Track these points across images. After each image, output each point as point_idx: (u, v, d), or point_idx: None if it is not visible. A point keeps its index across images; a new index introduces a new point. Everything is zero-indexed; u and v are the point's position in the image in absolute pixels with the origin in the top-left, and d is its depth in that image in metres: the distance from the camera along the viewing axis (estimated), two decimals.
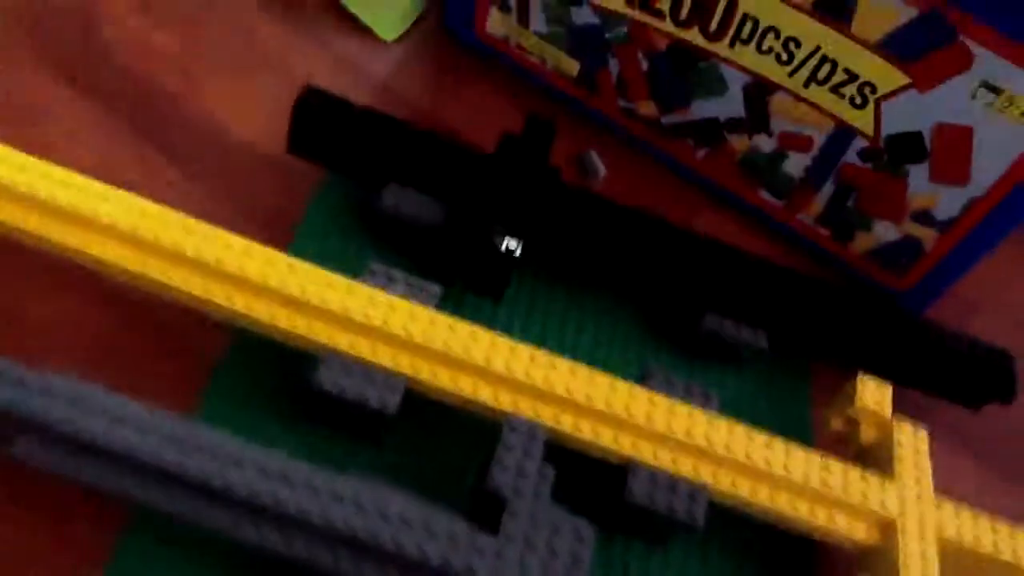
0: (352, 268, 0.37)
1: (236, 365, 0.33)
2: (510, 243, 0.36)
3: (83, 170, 0.36)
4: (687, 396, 0.34)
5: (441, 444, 0.34)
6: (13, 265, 0.34)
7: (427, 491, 0.30)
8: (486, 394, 0.32)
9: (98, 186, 0.32)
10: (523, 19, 0.45)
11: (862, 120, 0.39)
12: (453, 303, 0.37)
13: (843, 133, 0.40)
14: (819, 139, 0.41)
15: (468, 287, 0.36)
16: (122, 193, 0.32)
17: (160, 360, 0.33)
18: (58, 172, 0.32)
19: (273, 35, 0.45)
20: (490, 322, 0.37)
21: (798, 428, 0.38)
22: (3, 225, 0.31)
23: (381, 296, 0.32)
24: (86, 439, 0.27)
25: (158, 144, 0.39)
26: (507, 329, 0.37)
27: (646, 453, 0.32)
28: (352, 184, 0.39)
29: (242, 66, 0.43)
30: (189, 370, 0.33)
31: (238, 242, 0.32)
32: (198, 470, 0.27)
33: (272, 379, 0.33)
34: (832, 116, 0.40)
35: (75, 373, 0.31)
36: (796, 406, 0.39)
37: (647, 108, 0.45)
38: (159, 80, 0.41)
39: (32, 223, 0.31)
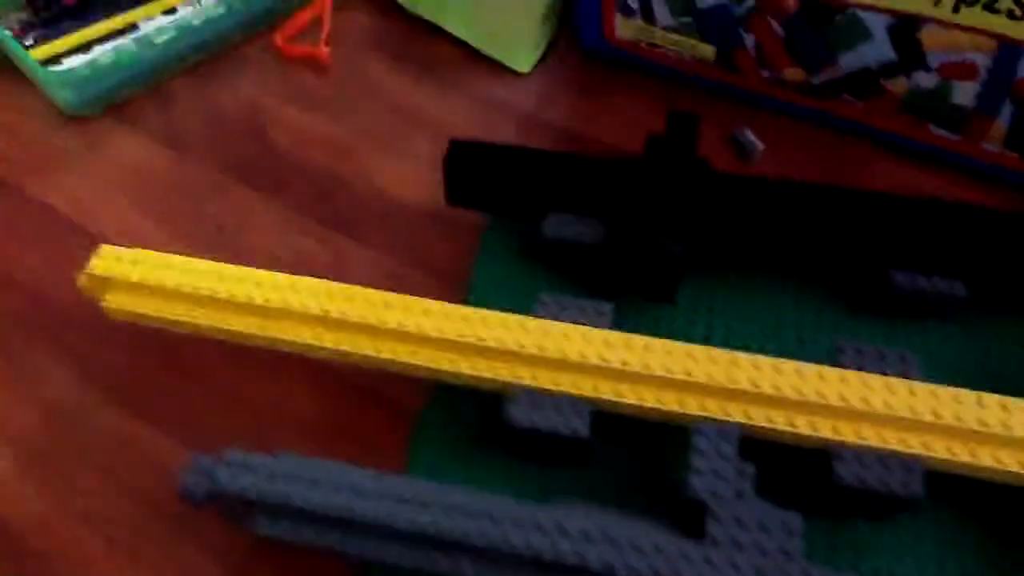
0: (529, 302, 0.38)
1: (437, 415, 0.36)
2: (674, 243, 0.36)
3: (280, 265, 0.40)
4: (881, 364, 0.33)
5: (642, 460, 0.34)
6: (238, 360, 0.38)
7: (636, 506, 0.31)
8: (672, 402, 0.32)
9: (289, 279, 0.35)
10: (648, 17, 0.45)
11: None
12: (629, 319, 0.38)
13: (1009, 49, 0.37)
14: (984, 62, 0.38)
15: (642, 296, 0.37)
16: (311, 281, 0.35)
17: (369, 421, 0.36)
18: (259, 275, 0.36)
19: (417, 99, 0.47)
20: (669, 332, 0.37)
21: (1015, 376, 0.36)
22: (225, 331, 0.35)
23: (553, 326, 0.33)
24: (315, 509, 0.29)
25: (340, 227, 0.42)
26: (687, 335, 0.37)
27: (848, 433, 0.31)
28: (514, 223, 0.41)
29: (396, 135, 0.46)
30: (396, 427, 0.36)
31: (414, 303, 0.34)
32: (418, 522, 0.29)
33: (473, 422, 0.35)
34: (992, 35, 0.37)
35: (297, 446, 0.35)
36: (1009, 354, 0.36)
37: (793, 73, 0.43)
38: (327, 167, 0.45)
39: (245, 324, 0.35)
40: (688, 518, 0.30)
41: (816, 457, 0.32)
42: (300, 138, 0.46)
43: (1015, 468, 0.30)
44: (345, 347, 0.34)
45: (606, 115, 0.46)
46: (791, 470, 0.33)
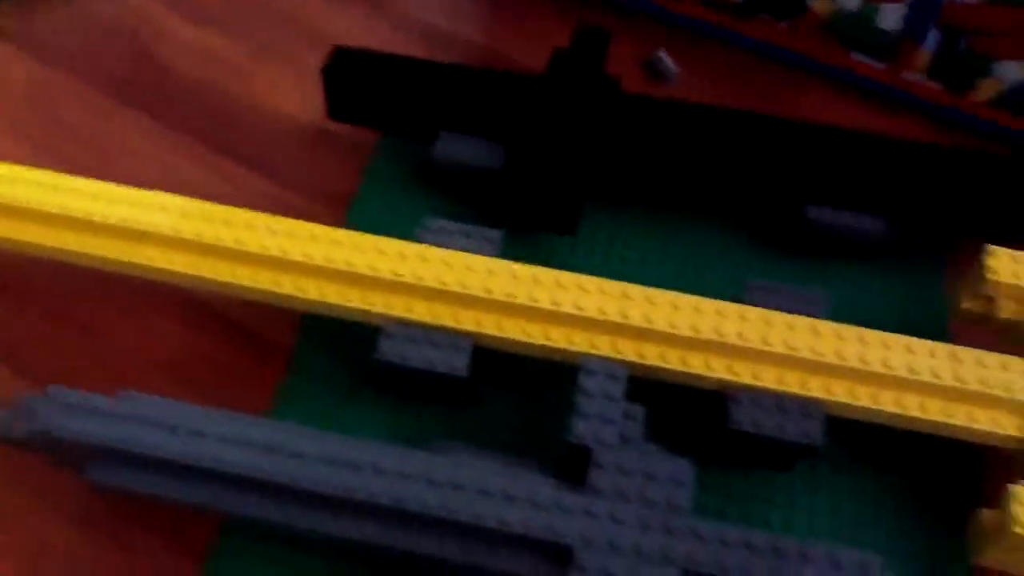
0: (413, 230, 0.35)
1: (308, 351, 0.32)
2: (573, 168, 0.33)
3: (149, 182, 0.37)
4: (790, 303, 0.30)
5: (531, 402, 0.32)
6: (91, 288, 0.34)
7: (515, 451, 0.29)
8: (559, 338, 0.29)
9: (153, 196, 0.32)
10: None
11: None
12: (522, 246, 0.35)
13: None
14: None
15: (539, 227, 0.34)
16: (176, 199, 0.32)
17: (237, 358, 0.33)
18: (115, 191, 0.32)
19: (313, 8, 0.43)
20: (566, 265, 0.34)
21: (932, 318, 0.34)
22: (79, 255, 0.31)
23: (434, 253, 0.30)
24: (161, 457, 0.26)
25: (216, 143, 0.38)
26: (584, 268, 0.34)
27: (745, 374, 0.29)
28: (405, 143, 0.37)
29: (290, 49, 0.42)
30: (267, 364, 0.32)
31: (280, 224, 0.31)
32: (276, 473, 0.26)
33: (347, 358, 0.32)
34: None
35: (158, 384, 0.32)
36: (927, 294, 0.34)
37: None
38: (211, 82, 0.40)
39: (94, 245, 0.31)
40: (572, 465, 0.27)
41: (712, 401, 0.29)
42: (184, 51, 0.42)
43: (915, 412, 0.28)
44: (203, 272, 0.31)
45: (516, 31, 0.43)
46: (685, 414, 0.31)
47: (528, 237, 0.35)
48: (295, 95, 0.40)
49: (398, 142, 0.37)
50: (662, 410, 0.31)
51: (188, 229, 0.31)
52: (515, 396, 0.32)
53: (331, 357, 0.32)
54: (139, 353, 0.32)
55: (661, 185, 0.35)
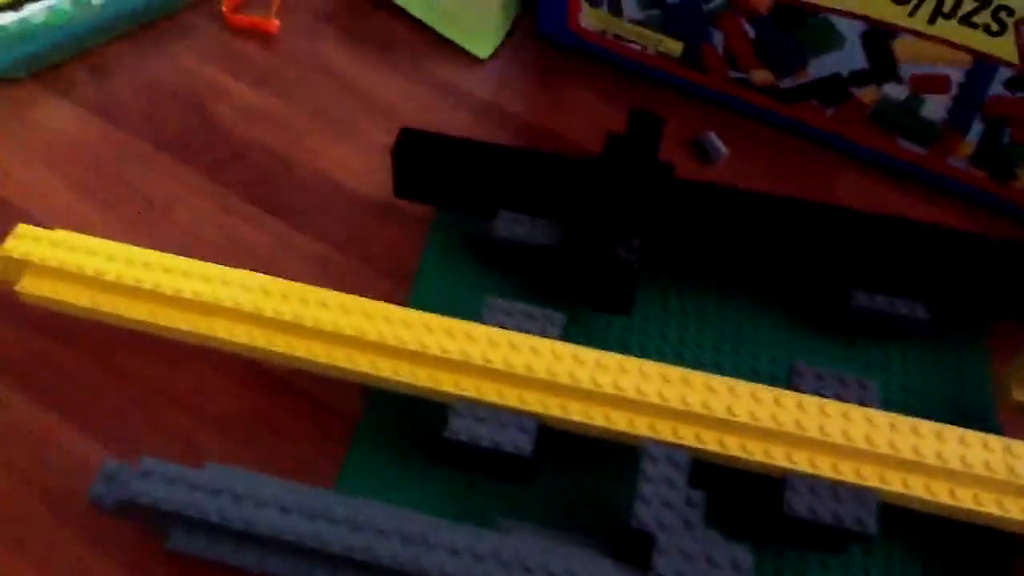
0: (475, 305, 0.36)
1: (374, 424, 0.34)
2: (629, 251, 0.34)
3: (212, 248, 0.38)
4: (841, 390, 0.31)
5: (588, 478, 0.33)
6: (161, 353, 0.35)
7: (578, 530, 0.30)
8: (621, 422, 0.30)
9: (220, 271, 0.33)
10: (615, 8, 0.43)
11: (1002, 48, 0.35)
12: (581, 328, 0.36)
13: (983, 66, 0.36)
14: (957, 76, 0.37)
15: (594, 307, 0.35)
16: (244, 273, 0.33)
17: (302, 425, 0.34)
18: (188, 264, 0.33)
19: (370, 79, 0.45)
20: (622, 343, 0.36)
21: (977, 403, 0.35)
22: (149, 324, 0.33)
23: (500, 336, 0.32)
24: (234, 525, 0.27)
25: (279, 211, 0.40)
26: (642, 347, 0.35)
27: (802, 462, 0.30)
28: (464, 219, 0.39)
29: (347, 118, 0.43)
30: (331, 433, 0.34)
31: (352, 303, 0.32)
32: (340, 544, 0.27)
33: (412, 433, 0.33)
34: (967, 49, 0.36)
35: (227, 450, 0.33)
36: (972, 379, 0.35)
37: (762, 76, 0.42)
38: (269, 146, 0.42)
39: (171, 319, 0.33)
40: (633, 549, 0.28)
41: (768, 486, 0.30)
42: (242, 114, 0.43)
43: (970, 505, 0.29)
44: (278, 348, 0.32)
45: (565, 108, 0.44)
46: (741, 498, 0.32)
47: (586, 315, 0.36)
48: (356, 167, 0.41)
49: (458, 218, 0.39)
50: (719, 494, 0.32)
51: (267, 306, 0.32)
52: (572, 473, 0.33)
53: (396, 430, 0.33)
54: (210, 422, 0.34)
55: (711, 267, 0.37)
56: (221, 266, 0.33)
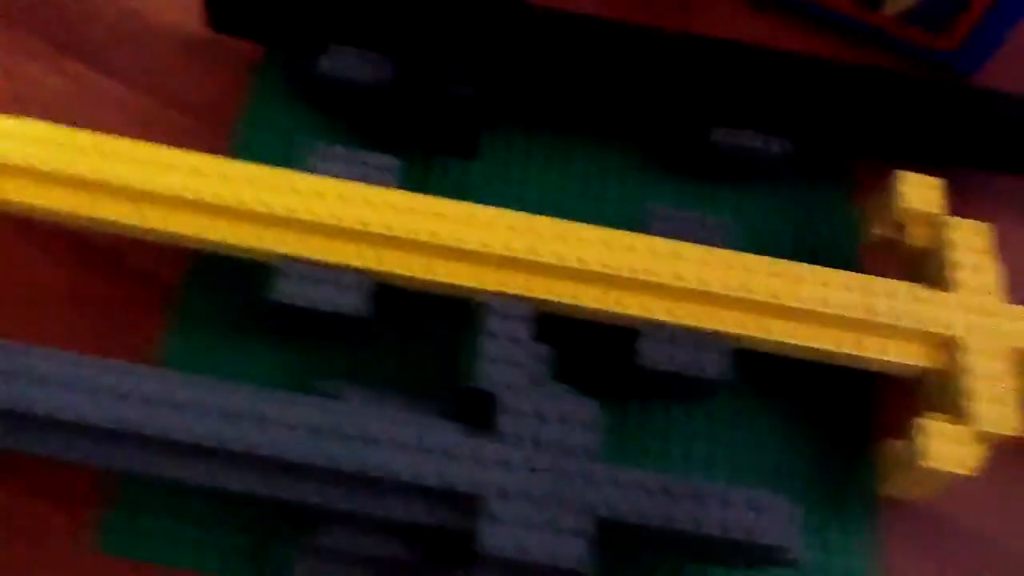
0: (304, 153, 0.32)
1: (197, 293, 0.30)
2: (464, 86, 0.31)
3: (7, 96, 0.33)
4: (700, 231, 0.29)
5: (432, 340, 0.30)
6: None
7: (421, 395, 0.28)
8: (465, 276, 0.28)
9: (13, 123, 0.28)
10: None
11: None
12: (418, 175, 0.33)
13: None
14: None
15: (433, 150, 0.32)
16: (34, 124, 0.29)
17: (119, 298, 0.30)
18: None
19: None
20: (461, 191, 0.33)
21: (838, 242, 0.33)
22: None
23: (329, 185, 0.28)
24: (38, 413, 0.24)
25: (82, 54, 0.35)
26: (482, 196, 0.33)
27: (657, 310, 0.28)
28: (292, 58, 0.34)
29: None
30: (150, 301, 0.30)
31: (160, 154, 0.28)
32: (151, 425, 0.24)
33: (238, 297, 0.30)
34: None
35: (28, 327, 0.29)
36: (834, 218, 0.34)
37: None
38: None
39: None
40: (475, 410, 0.26)
41: (622, 337, 0.29)
42: None
43: (829, 346, 0.28)
44: (80, 210, 0.28)
45: None
46: (594, 353, 0.30)
47: (425, 161, 0.33)
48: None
49: (286, 57, 0.35)
50: (570, 350, 0.30)
51: (63, 162, 0.28)
52: (414, 334, 0.30)
53: (220, 297, 0.30)
54: (4, 291, 0.30)
55: (562, 105, 0.33)
56: (6, 116, 0.29)
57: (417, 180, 0.33)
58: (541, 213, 0.32)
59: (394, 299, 0.30)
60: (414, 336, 0.30)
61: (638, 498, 0.25)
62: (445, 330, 0.30)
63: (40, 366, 0.25)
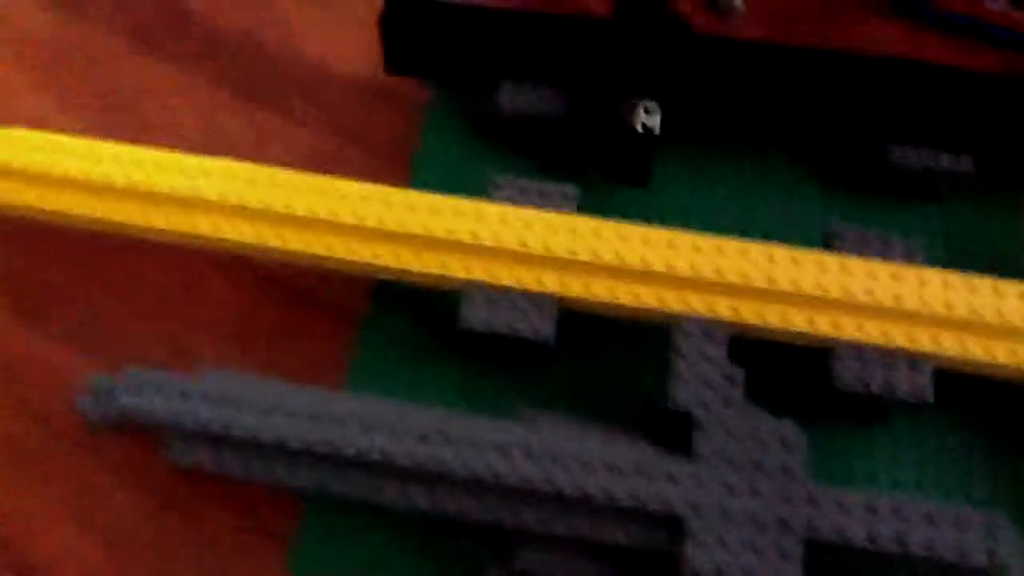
0: (481, 185, 0.33)
1: (382, 320, 0.31)
2: (647, 117, 0.31)
3: (189, 145, 0.35)
4: (886, 251, 0.29)
5: (614, 362, 0.30)
6: (143, 256, 0.33)
7: (606, 418, 0.28)
8: (650, 298, 0.28)
9: (196, 162, 0.30)
10: None
11: None
12: (598, 200, 0.33)
13: None
14: None
15: (609, 178, 0.32)
16: (226, 163, 0.30)
17: (302, 325, 0.31)
18: (163, 158, 0.30)
19: None
20: (642, 216, 0.33)
21: (1019, 258, 0.32)
22: (125, 225, 0.30)
23: (511, 213, 0.29)
24: (237, 434, 0.25)
25: (262, 100, 0.36)
26: (664, 219, 0.33)
27: (849, 329, 0.27)
28: (464, 94, 0.36)
29: None
30: (335, 332, 0.31)
31: (348, 187, 0.29)
32: (352, 447, 0.25)
33: (423, 327, 0.31)
34: None
35: (225, 356, 0.30)
36: (1012, 233, 0.32)
37: None
38: (245, 31, 0.39)
39: (148, 217, 0.30)
40: (670, 432, 0.26)
41: (813, 357, 0.28)
42: (217, 3, 0.40)
43: None
44: (271, 242, 0.29)
45: None
46: (784, 374, 0.29)
47: (603, 188, 0.33)
48: (339, 43, 0.38)
49: (458, 94, 0.36)
50: (759, 371, 0.29)
51: (254, 197, 0.29)
52: (597, 357, 0.30)
53: (406, 325, 0.31)
54: (203, 324, 0.31)
55: (736, 128, 0.33)
56: (200, 156, 0.30)
57: (595, 209, 0.33)
58: (717, 233, 0.32)
59: (572, 323, 0.30)
60: (593, 359, 0.30)
61: (840, 517, 0.24)
62: (623, 353, 0.30)
63: (250, 393, 0.26)
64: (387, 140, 0.35)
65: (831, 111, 0.32)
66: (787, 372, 0.29)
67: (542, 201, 0.30)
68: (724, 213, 0.33)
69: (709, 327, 0.27)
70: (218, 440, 0.26)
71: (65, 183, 0.30)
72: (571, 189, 0.30)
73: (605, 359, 0.30)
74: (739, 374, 0.26)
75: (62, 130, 0.35)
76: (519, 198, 0.30)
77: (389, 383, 0.30)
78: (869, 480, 0.28)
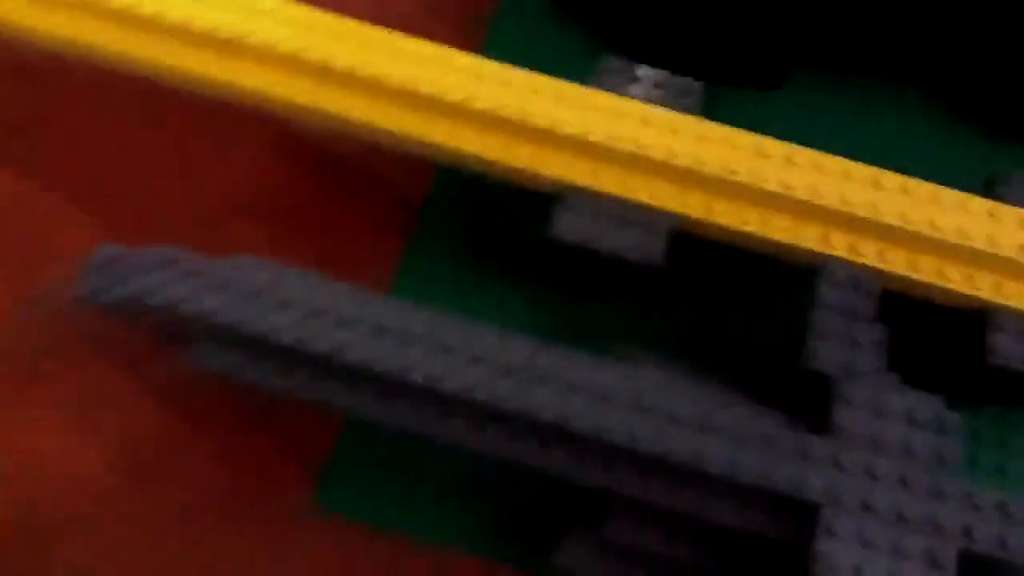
0: (573, 67, 0.28)
1: (444, 211, 0.26)
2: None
3: None
4: None
5: (737, 303, 0.25)
6: (171, 109, 0.27)
7: (718, 368, 0.23)
8: (784, 229, 0.23)
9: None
10: None
11: None
12: (726, 105, 0.28)
13: None
14: None
15: (736, 79, 0.27)
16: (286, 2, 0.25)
17: (350, 211, 0.26)
18: None
19: None
20: (762, 126, 0.27)
21: None
22: (151, 66, 0.24)
23: (628, 106, 0.24)
24: (275, 339, 0.20)
25: None
26: (804, 139, 0.27)
27: (1012, 295, 0.23)
28: None
29: None
30: (388, 222, 0.26)
31: (431, 50, 0.24)
32: (417, 370, 0.20)
33: (492, 226, 0.26)
34: None
35: (257, 240, 0.25)
36: None
37: None
38: None
39: (180, 58, 0.24)
40: (799, 397, 0.21)
41: (966, 325, 0.23)
42: None
43: None
44: (324, 105, 0.24)
45: None
46: (928, 341, 0.25)
47: (733, 93, 0.28)
48: None
49: None
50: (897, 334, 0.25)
51: (311, 46, 0.24)
52: (710, 294, 0.25)
53: (470, 224, 0.26)
54: (232, 198, 0.26)
55: (892, 49, 0.28)
56: None
57: (722, 116, 0.27)
58: None
59: (687, 250, 0.25)
60: (708, 298, 0.25)
61: (1002, 526, 0.20)
62: (747, 293, 0.25)
63: (288, 289, 0.21)
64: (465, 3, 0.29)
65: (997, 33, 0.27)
66: (930, 339, 0.25)
67: (660, 95, 0.25)
68: (874, 145, 0.27)
69: (861, 276, 0.22)
70: (248, 343, 0.21)
71: (79, 4, 0.25)
72: (695, 84, 0.25)
73: (723, 299, 0.25)
74: (883, 335, 0.22)
75: None
76: (631, 88, 0.25)
77: (442, 295, 0.25)
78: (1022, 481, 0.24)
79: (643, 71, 0.25)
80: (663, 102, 0.24)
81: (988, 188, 0.25)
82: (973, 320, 0.23)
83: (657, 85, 0.25)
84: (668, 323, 0.25)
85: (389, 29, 0.25)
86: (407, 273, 0.26)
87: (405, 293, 0.25)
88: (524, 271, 0.25)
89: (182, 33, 0.24)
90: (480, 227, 0.26)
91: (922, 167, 0.27)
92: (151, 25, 0.24)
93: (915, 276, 0.23)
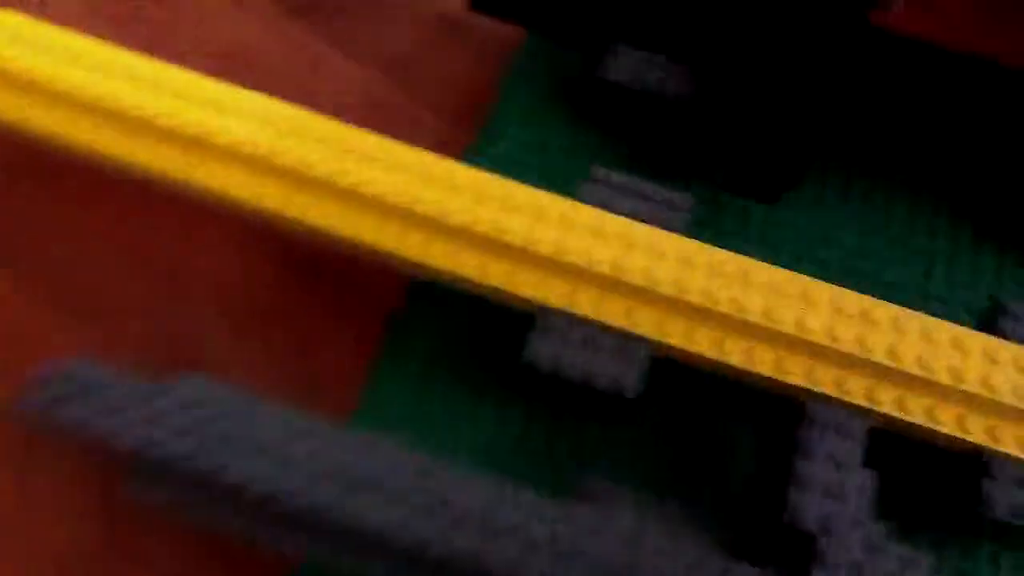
0: (564, 172, 0.27)
1: (417, 321, 0.25)
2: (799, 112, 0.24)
3: (231, 66, 0.29)
4: None
5: (709, 431, 0.24)
6: (148, 200, 0.26)
7: (691, 505, 0.22)
8: (768, 362, 0.22)
9: (220, 90, 0.24)
10: None
11: None
12: (715, 216, 0.26)
13: None
14: None
15: (737, 190, 0.26)
16: (252, 96, 0.24)
17: (323, 317, 0.25)
18: (178, 76, 0.24)
19: None
20: (768, 244, 0.26)
21: None
22: (125, 162, 0.24)
23: (612, 224, 0.23)
24: (217, 478, 0.19)
25: (317, 24, 0.30)
26: (795, 253, 0.26)
27: (1007, 440, 0.22)
28: (561, 50, 0.29)
29: None
30: (362, 333, 0.25)
31: (405, 154, 0.23)
32: (352, 517, 0.19)
33: (465, 339, 0.25)
34: None
35: (220, 339, 0.25)
36: None
37: None
38: None
39: (156, 157, 0.24)
40: (778, 549, 0.20)
41: (959, 470, 0.22)
42: None
43: None
44: (291, 211, 0.23)
45: None
46: (918, 485, 0.23)
47: (722, 201, 0.27)
48: None
49: (549, 47, 0.29)
50: (885, 475, 0.23)
51: (282, 147, 0.23)
52: (688, 423, 0.24)
53: (444, 340, 0.25)
54: (199, 296, 0.25)
55: (895, 155, 0.27)
56: (226, 85, 0.24)
57: (710, 227, 0.26)
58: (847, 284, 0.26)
59: (665, 374, 0.24)
60: (690, 431, 0.24)
61: None
62: (735, 426, 0.24)
63: (237, 423, 0.20)
64: (457, 92, 0.29)
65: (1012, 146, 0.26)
66: (924, 487, 0.23)
67: (645, 210, 0.24)
68: (870, 262, 0.26)
69: (847, 420, 0.21)
70: (191, 479, 0.20)
71: (59, 96, 0.24)
72: (684, 198, 0.24)
73: (701, 426, 0.24)
74: (870, 483, 0.21)
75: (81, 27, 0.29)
76: (616, 202, 0.24)
77: (412, 407, 0.24)
78: None
79: (633, 183, 0.24)
80: (649, 217, 0.24)
81: (989, 319, 0.23)
82: (968, 465, 0.22)
83: (645, 198, 0.24)
84: (645, 450, 0.24)
85: (367, 130, 0.24)
86: (376, 384, 0.24)
87: (371, 406, 0.24)
88: (497, 387, 0.24)
89: (148, 129, 0.24)
90: (452, 339, 0.25)
91: (925, 279, 0.26)
92: (117, 117, 0.24)
93: (904, 416, 0.21)
